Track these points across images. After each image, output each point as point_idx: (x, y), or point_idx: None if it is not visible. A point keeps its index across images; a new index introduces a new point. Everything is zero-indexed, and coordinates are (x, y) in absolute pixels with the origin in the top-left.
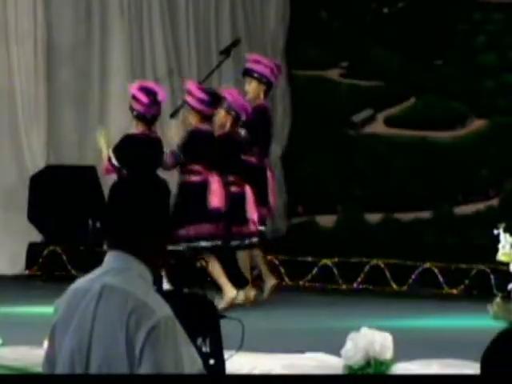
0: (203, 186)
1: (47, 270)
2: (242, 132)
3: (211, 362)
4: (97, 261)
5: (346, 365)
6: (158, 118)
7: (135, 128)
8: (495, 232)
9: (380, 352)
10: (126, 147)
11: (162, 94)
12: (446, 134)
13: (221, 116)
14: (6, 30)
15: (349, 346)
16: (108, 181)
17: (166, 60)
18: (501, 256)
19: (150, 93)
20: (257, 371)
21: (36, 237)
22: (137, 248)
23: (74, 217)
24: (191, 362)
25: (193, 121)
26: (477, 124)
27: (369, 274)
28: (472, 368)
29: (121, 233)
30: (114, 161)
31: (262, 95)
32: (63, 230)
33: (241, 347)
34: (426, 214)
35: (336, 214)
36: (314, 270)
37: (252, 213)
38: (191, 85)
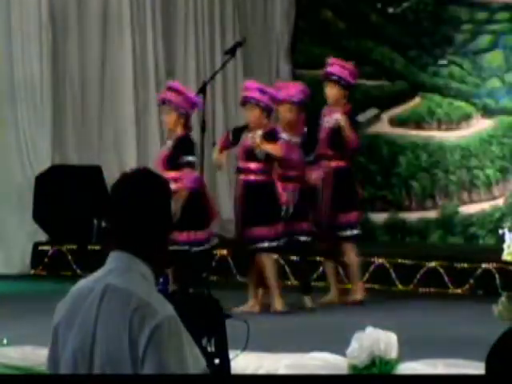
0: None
1: (52, 270)
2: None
3: (216, 361)
4: (102, 260)
5: (351, 364)
6: None
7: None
8: (500, 232)
9: (385, 351)
10: None
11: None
12: (450, 134)
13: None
14: (10, 29)
15: (354, 345)
16: (113, 180)
17: (165, 62)
18: (506, 255)
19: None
20: (262, 371)
21: (41, 236)
22: (139, 248)
23: (79, 216)
24: (194, 361)
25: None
26: (482, 124)
27: (374, 274)
28: (477, 368)
29: (122, 233)
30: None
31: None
32: (68, 229)
33: (246, 347)
34: (431, 214)
35: None
36: (320, 270)
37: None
38: (251, 84)
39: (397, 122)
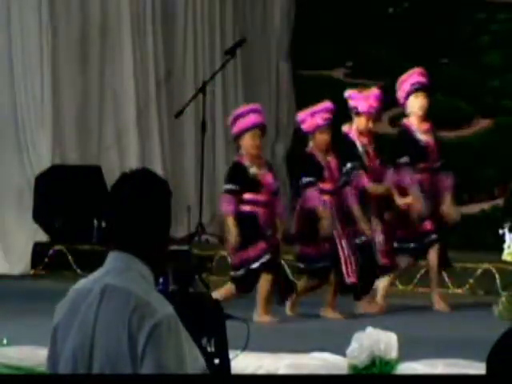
0: None
1: (52, 270)
2: None
3: (216, 361)
4: (102, 260)
5: (351, 364)
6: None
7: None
8: (500, 232)
9: (385, 351)
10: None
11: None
12: (451, 134)
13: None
14: (10, 29)
15: (354, 345)
16: (113, 181)
17: (165, 62)
18: (506, 255)
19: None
20: (262, 371)
21: (41, 236)
22: (138, 248)
23: (79, 216)
24: (193, 361)
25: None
26: (482, 124)
27: None
28: (477, 368)
29: (122, 233)
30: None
31: None
32: (68, 229)
33: (246, 347)
34: None
35: None
36: None
37: None
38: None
39: (397, 122)
